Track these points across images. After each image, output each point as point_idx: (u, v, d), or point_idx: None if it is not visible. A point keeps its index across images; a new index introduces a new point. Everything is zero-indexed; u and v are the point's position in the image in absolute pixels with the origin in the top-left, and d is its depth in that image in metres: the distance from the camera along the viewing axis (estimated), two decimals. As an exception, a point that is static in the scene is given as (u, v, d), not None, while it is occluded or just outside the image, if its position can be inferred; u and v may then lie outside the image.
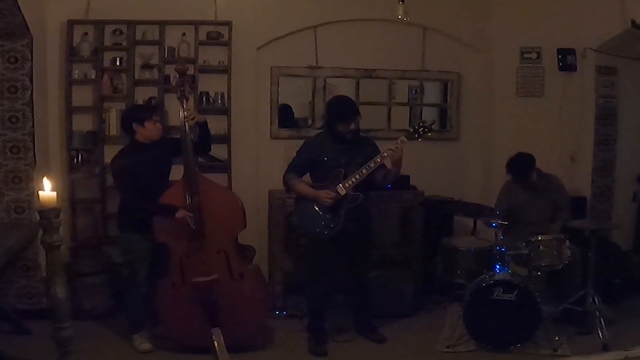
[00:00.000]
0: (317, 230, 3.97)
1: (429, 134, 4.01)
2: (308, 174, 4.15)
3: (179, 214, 3.76)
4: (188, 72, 4.16)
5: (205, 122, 4.01)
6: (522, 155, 4.57)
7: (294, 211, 4.19)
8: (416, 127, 3.98)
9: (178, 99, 3.92)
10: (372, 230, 4.35)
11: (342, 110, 4.01)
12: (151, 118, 3.93)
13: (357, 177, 3.91)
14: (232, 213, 3.94)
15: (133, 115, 3.98)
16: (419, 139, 3.99)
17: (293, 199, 4.55)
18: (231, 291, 3.86)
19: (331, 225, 3.95)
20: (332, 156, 4.00)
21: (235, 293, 3.87)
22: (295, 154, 4.16)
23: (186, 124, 3.87)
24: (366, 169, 3.91)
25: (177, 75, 3.99)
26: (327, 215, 3.95)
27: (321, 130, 4.30)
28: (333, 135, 4.03)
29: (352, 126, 3.96)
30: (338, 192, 3.91)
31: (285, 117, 5.41)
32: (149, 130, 3.92)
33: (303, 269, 4.76)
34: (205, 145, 4.09)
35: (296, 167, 4.10)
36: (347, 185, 3.91)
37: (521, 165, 4.55)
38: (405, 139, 3.91)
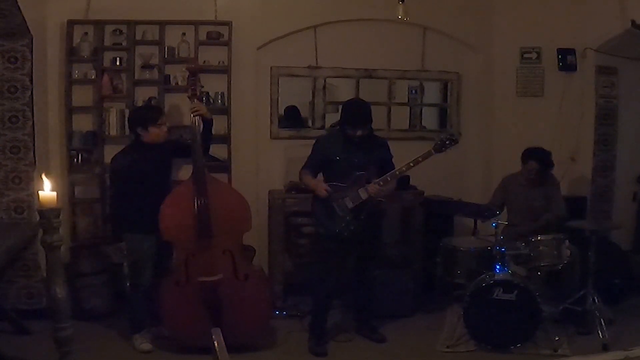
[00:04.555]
0: (338, 230, 3.97)
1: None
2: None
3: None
4: (200, 72, 4.18)
5: (211, 120, 4.03)
6: (543, 148, 4.61)
7: (312, 209, 4.16)
8: (444, 140, 3.94)
9: (189, 97, 3.96)
10: (382, 232, 4.35)
11: (351, 115, 4.00)
12: (156, 122, 3.94)
13: (382, 183, 3.91)
14: (240, 213, 3.93)
15: (137, 120, 4.00)
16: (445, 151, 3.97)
17: (295, 199, 4.57)
18: (235, 292, 3.85)
19: (351, 227, 3.96)
20: (343, 155, 3.99)
21: (240, 294, 3.86)
22: (310, 153, 4.16)
23: (196, 124, 3.88)
24: (391, 176, 3.92)
25: (188, 75, 4.01)
26: (347, 217, 3.95)
27: (332, 129, 4.28)
28: (344, 135, 4.03)
29: (359, 132, 3.95)
30: (360, 196, 3.91)
31: (292, 118, 5.40)
32: (154, 135, 3.95)
33: (306, 269, 4.77)
34: (205, 145, 4.05)
35: (310, 166, 4.11)
36: (370, 190, 3.91)
37: (546, 156, 4.58)
38: (433, 152, 3.91)
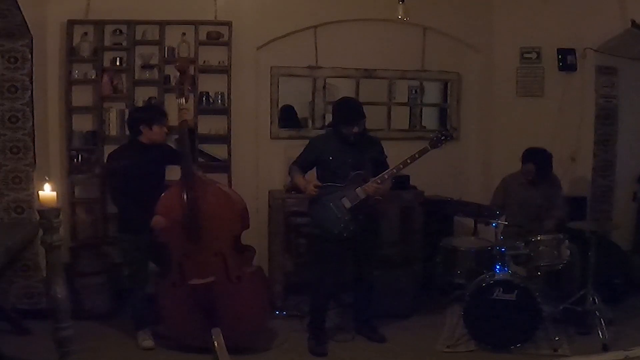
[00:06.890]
0: (337, 231, 3.95)
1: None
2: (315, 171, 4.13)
3: (155, 221, 3.79)
4: (189, 70, 4.13)
5: (194, 130, 3.98)
6: (544, 149, 4.59)
7: (308, 210, 4.16)
8: (439, 136, 3.94)
9: (177, 98, 3.93)
10: (381, 231, 4.35)
11: (345, 113, 4.00)
12: (160, 122, 3.94)
13: (379, 181, 3.90)
14: (230, 215, 3.88)
15: (142, 117, 3.99)
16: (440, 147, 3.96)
17: (295, 199, 4.55)
18: (229, 294, 3.82)
19: (351, 228, 3.95)
20: (337, 156, 3.99)
21: (233, 296, 3.83)
22: (302, 150, 4.16)
23: (185, 129, 3.84)
24: (388, 174, 3.91)
25: (179, 74, 3.99)
26: (346, 217, 3.94)
27: (327, 129, 4.28)
28: (338, 135, 4.03)
29: (356, 129, 3.94)
30: (358, 195, 3.91)
31: (288, 117, 5.41)
32: (155, 134, 3.94)
33: (306, 269, 4.76)
34: (192, 147, 4.02)
35: (300, 163, 4.12)
36: (368, 189, 3.90)
37: (546, 158, 4.57)
38: (430, 148, 3.90)
